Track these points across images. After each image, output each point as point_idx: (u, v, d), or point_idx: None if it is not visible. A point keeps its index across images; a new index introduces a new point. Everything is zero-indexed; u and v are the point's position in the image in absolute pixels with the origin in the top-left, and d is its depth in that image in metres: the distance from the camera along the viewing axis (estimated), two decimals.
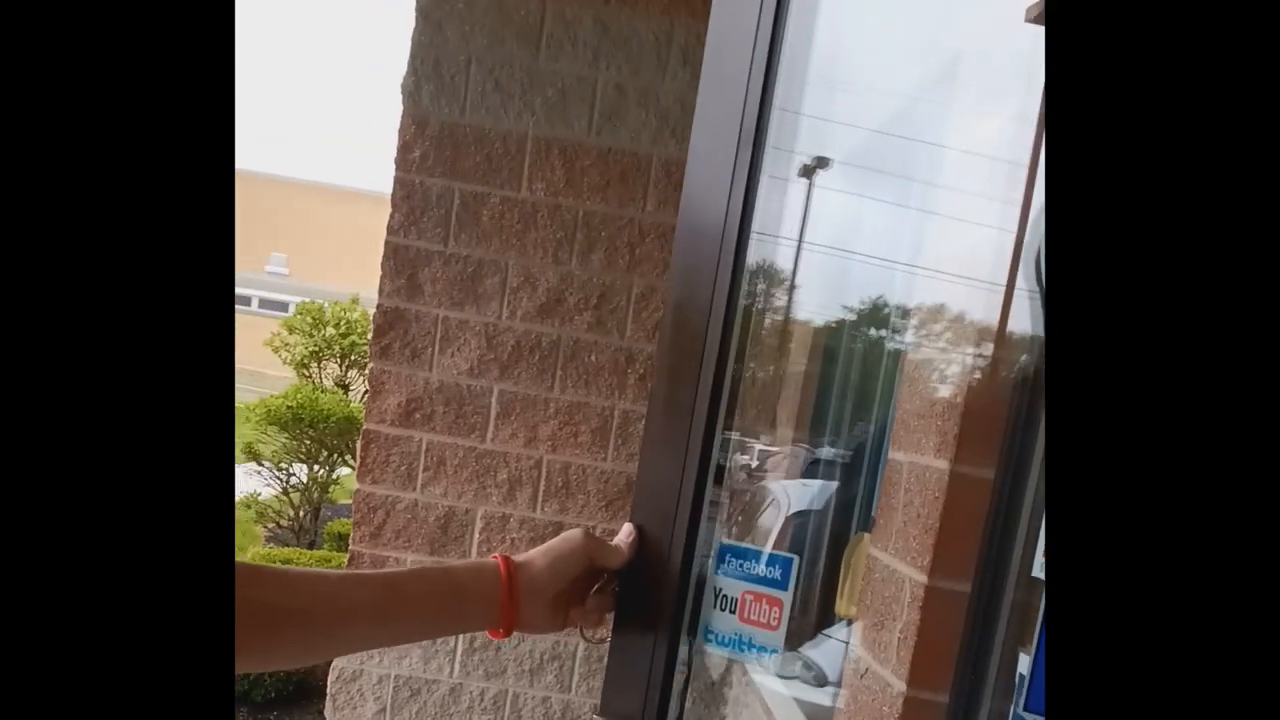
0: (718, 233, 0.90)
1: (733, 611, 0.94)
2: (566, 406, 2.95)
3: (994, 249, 1.62)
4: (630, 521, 0.97)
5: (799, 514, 2.45)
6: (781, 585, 0.94)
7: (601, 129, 2.84)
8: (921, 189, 2.11)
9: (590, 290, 2.93)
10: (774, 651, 0.94)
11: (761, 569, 0.93)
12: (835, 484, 2.41)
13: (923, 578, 1.66)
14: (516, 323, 2.96)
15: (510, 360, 2.96)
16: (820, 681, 2.02)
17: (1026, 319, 1.57)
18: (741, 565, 0.94)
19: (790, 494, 2.50)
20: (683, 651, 0.97)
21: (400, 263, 3.01)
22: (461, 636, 3.06)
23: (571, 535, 0.96)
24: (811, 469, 2.53)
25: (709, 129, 0.93)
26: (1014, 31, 1.48)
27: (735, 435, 2.84)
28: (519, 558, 0.96)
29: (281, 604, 0.88)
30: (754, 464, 2.78)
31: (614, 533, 0.98)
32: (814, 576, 2.35)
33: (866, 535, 1.98)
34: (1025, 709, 0.74)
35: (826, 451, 2.53)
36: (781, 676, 2.06)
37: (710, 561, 0.96)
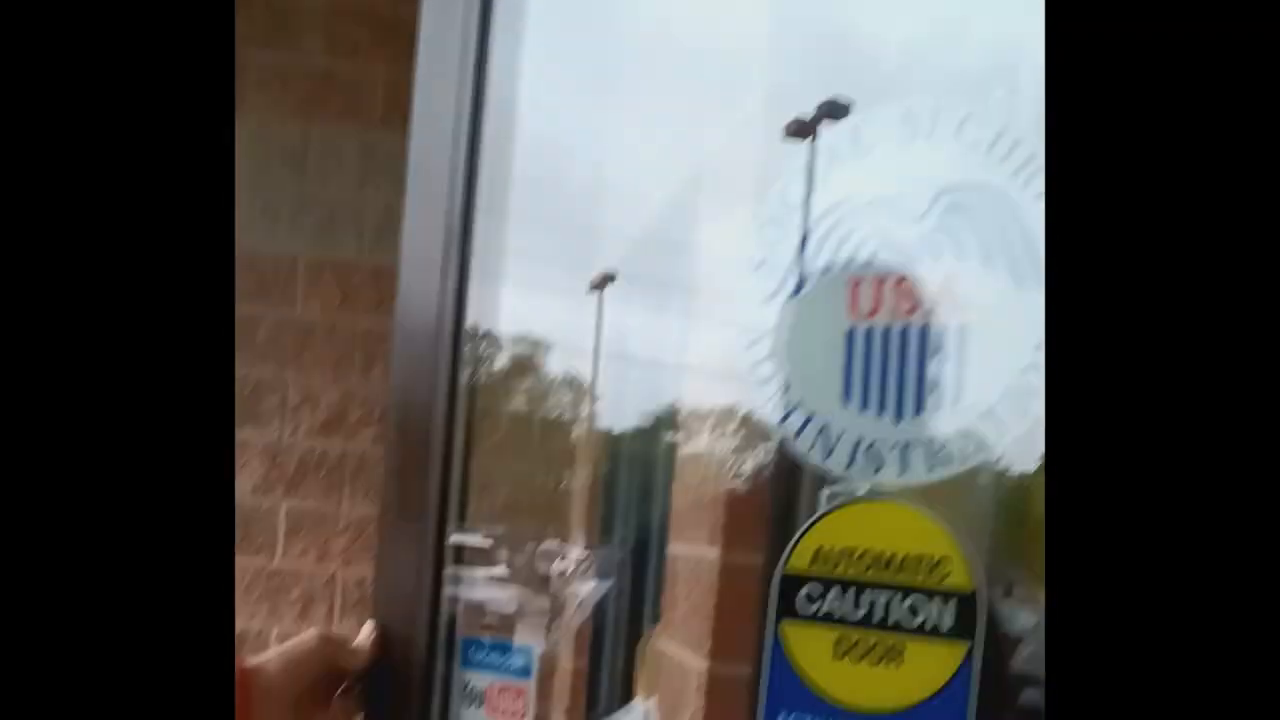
0: (431, 332, 0.95)
1: (480, 705, 0.97)
2: (358, 520, 2.92)
3: (748, 345, 1.72)
4: (371, 619, 0.99)
5: (595, 613, 2.49)
6: (525, 674, 0.98)
7: (373, 248, 2.87)
8: (683, 293, 2.21)
9: (373, 404, 2.93)
10: None
11: (504, 659, 0.97)
12: (627, 581, 2.47)
13: (704, 664, 1.72)
14: (299, 439, 2.93)
15: (295, 476, 2.92)
16: None
17: (775, 408, 1.67)
18: (485, 657, 0.97)
19: (584, 594, 2.54)
20: None
21: None
22: None
23: (307, 637, 0.96)
24: (606, 568, 2.58)
25: (418, 233, 0.98)
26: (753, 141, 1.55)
27: (555, 543, 2.87)
28: (252, 662, 0.96)
29: None
30: (569, 569, 2.81)
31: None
32: (614, 674, 2.40)
33: (654, 628, 2.04)
34: None
35: (617, 552, 2.59)
36: None
37: (457, 656, 0.99)
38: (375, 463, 2.96)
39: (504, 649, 0.97)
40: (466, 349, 0.96)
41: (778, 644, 0.81)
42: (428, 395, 0.96)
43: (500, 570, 0.99)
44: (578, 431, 2.99)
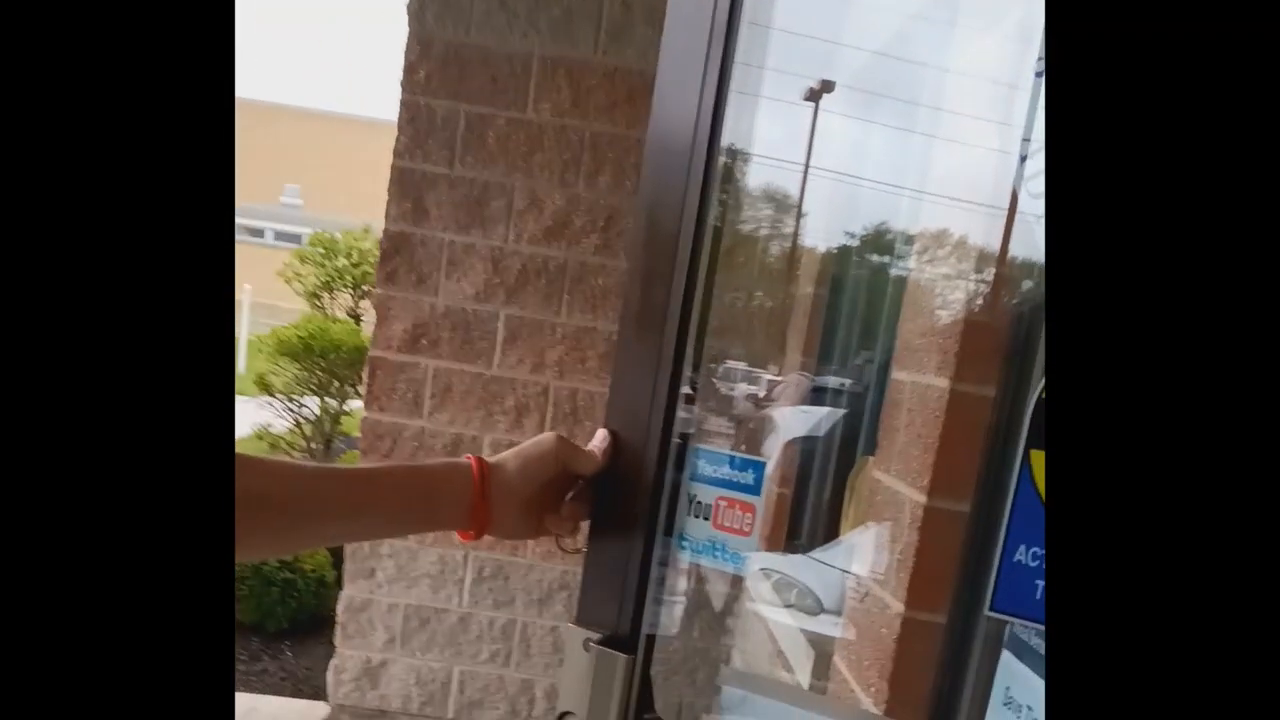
0: (687, 142, 0.91)
1: (706, 518, 0.97)
2: (574, 331, 2.97)
3: (994, 172, 1.62)
4: (605, 427, 0.99)
5: (804, 439, 2.47)
6: (754, 490, 0.96)
7: (608, 48, 2.83)
8: (924, 112, 2.11)
9: (597, 212, 2.94)
10: (746, 558, 0.97)
11: (734, 474, 0.95)
12: (841, 410, 2.43)
13: (922, 498, 1.68)
14: (523, 246, 2.98)
15: (517, 284, 2.98)
16: (816, 609, 2.06)
17: (1028, 243, 1.58)
18: (715, 470, 0.96)
19: (793, 421, 2.53)
20: (659, 560, 1.00)
21: (406, 186, 3.02)
22: (471, 565, 3.12)
23: (544, 439, 0.98)
24: (817, 396, 2.55)
25: (678, 35, 0.94)
26: None
27: (741, 364, 2.86)
28: (492, 460, 0.98)
29: (258, 491, 0.90)
30: (760, 393, 2.81)
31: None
32: (820, 502, 2.39)
33: (871, 458, 2.01)
34: (991, 609, 0.76)
35: (831, 379, 2.55)
36: (775, 605, 2.10)
37: (686, 468, 0.98)
38: (595, 272, 2.99)
39: (736, 463, 0.96)
40: (718, 161, 0.92)
41: (1025, 473, 0.77)
42: (678, 206, 0.92)
43: (686, 390, 0.97)
44: (792, 250, 2.93)
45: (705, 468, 0.96)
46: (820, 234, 2.74)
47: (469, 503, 0.97)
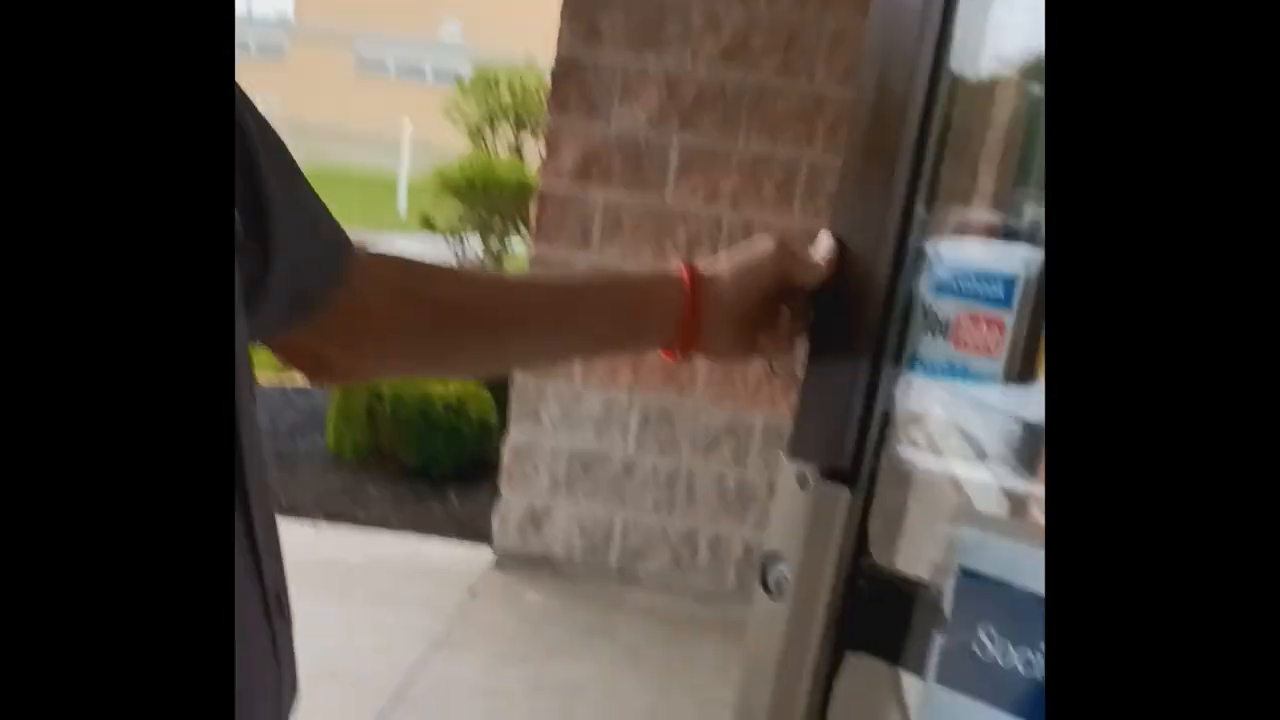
0: None
1: (945, 336, 0.85)
2: (750, 159, 2.84)
3: None
4: (827, 230, 0.88)
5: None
6: (1004, 303, 0.85)
7: None
8: None
9: (778, 32, 2.77)
10: (992, 382, 0.86)
11: (981, 284, 0.83)
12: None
13: None
14: (699, 69, 2.84)
15: (692, 109, 2.86)
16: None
17: None
18: (958, 281, 0.84)
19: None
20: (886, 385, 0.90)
21: (579, 8, 2.91)
22: (636, 409, 3.08)
23: (762, 245, 0.87)
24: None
25: None
26: None
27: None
28: (705, 269, 0.88)
29: (457, 300, 0.86)
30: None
31: None
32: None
33: None
34: None
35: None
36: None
37: (922, 280, 0.87)
38: (775, 96, 2.83)
39: (982, 275, 0.84)
40: None
41: None
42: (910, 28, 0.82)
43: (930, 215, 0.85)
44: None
45: (948, 277, 0.84)
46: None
47: (679, 316, 0.88)
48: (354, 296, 0.79)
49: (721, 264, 0.89)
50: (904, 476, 1.13)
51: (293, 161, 0.73)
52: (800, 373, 0.92)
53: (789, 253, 0.87)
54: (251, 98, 0.69)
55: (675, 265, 0.87)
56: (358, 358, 0.86)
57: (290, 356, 0.84)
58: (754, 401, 2.98)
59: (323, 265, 0.78)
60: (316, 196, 0.76)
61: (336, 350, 0.84)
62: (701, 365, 2.94)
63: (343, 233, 0.79)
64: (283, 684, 0.60)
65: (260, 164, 0.69)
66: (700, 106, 2.87)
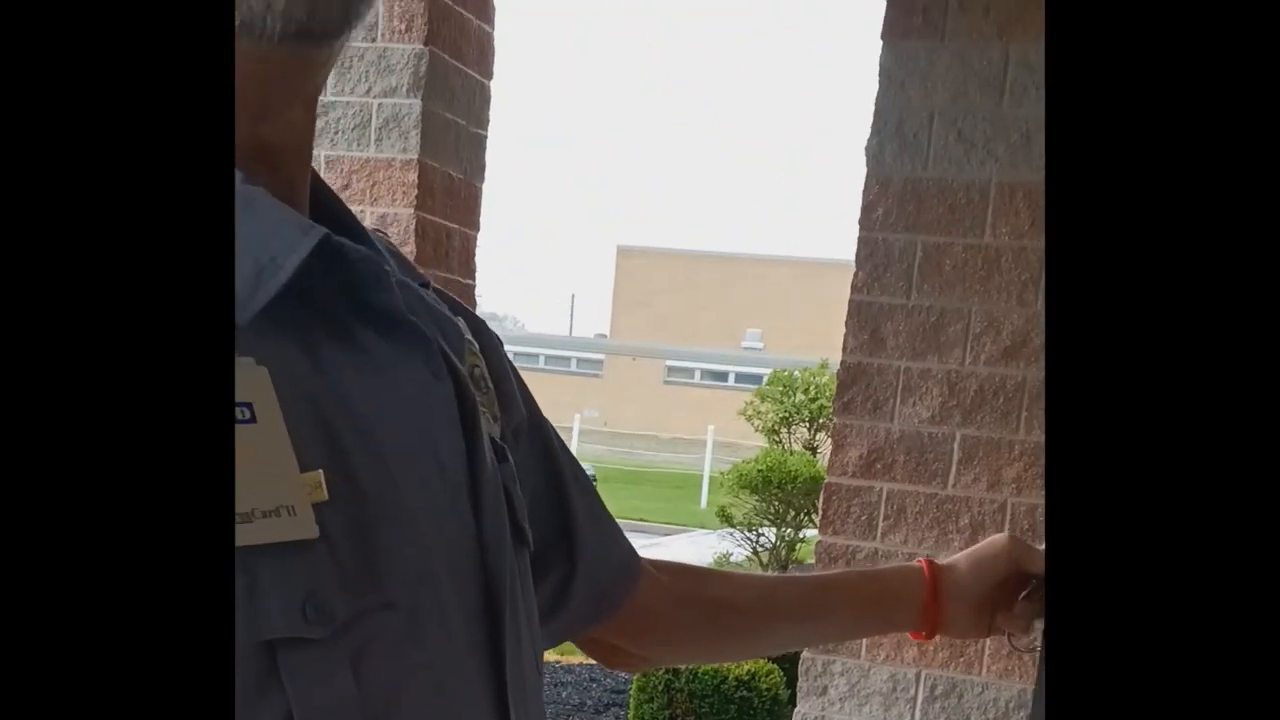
0: None
1: None
2: (1033, 447, 2.92)
3: None
4: None
5: None
6: None
7: None
8: None
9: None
10: None
11: None
12: None
13: None
14: (980, 367, 2.99)
15: (973, 405, 2.99)
16: None
17: None
18: None
19: None
20: None
21: (863, 319, 3.14)
22: (923, 684, 3.09)
23: (996, 540, 1.01)
24: None
25: None
26: None
27: None
28: (944, 561, 1.03)
29: (727, 598, 1.01)
30: None
31: None
32: None
33: None
34: None
35: None
36: None
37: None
38: None
39: None
40: None
41: None
42: None
43: None
44: None
45: None
46: None
47: (921, 603, 1.01)
48: (641, 601, 0.92)
49: (960, 557, 1.03)
50: None
51: (590, 485, 0.88)
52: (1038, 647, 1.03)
53: (1021, 544, 1.01)
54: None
55: (917, 560, 1.03)
56: (645, 649, 1.00)
57: (587, 648, 0.99)
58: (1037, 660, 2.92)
59: (618, 578, 0.90)
60: (613, 521, 0.90)
61: (626, 643, 0.97)
62: (987, 644, 2.95)
63: (633, 551, 0.92)
64: None
65: (568, 487, 0.84)
66: (981, 401, 3.00)
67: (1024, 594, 1.02)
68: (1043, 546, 1.02)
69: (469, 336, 0.73)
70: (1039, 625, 1.03)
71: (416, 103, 3.11)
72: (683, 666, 4.18)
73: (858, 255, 3.16)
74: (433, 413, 0.63)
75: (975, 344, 3.00)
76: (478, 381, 0.71)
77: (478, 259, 3.49)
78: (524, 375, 0.85)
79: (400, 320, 0.62)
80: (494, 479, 0.67)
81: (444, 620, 0.60)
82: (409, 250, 3.10)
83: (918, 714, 3.13)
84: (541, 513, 0.79)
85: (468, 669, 0.62)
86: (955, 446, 3.03)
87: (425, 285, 0.71)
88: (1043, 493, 2.93)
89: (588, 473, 0.91)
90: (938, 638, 1.02)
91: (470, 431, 0.65)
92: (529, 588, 0.72)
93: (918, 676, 3.11)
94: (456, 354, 0.68)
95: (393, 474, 0.58)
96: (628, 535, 0.94)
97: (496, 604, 0.63)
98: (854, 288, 3.18)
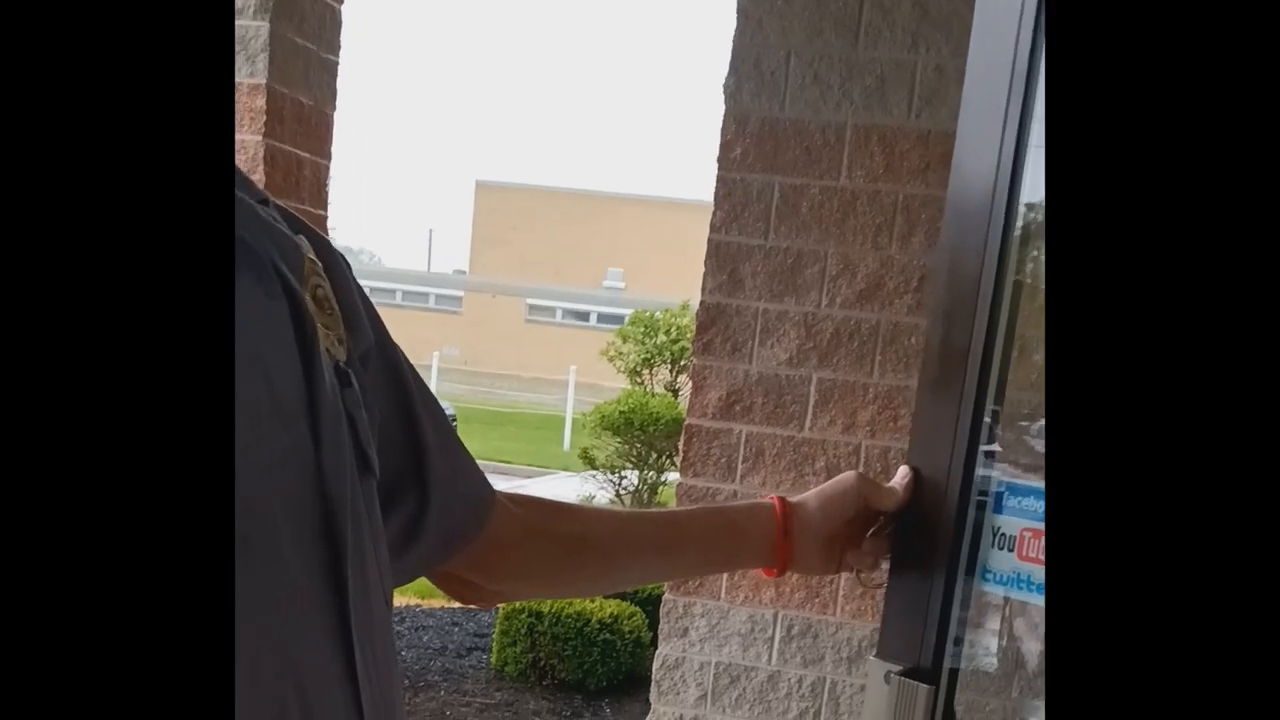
0: (987, 194, 0.94)
1: (1011, 549, 0.97)
2: (886, 390, 2.97)
3: None
4: (906, 464, 1.01)
5: None
6: None
7: (921, 112, 2.85)
8: None
9: (910, 274, 2.93)
10: None
11: (1040, 505, 0.95)
12: None
13: None
14: (836, 310, 3.01)
15: (829, 348, 3.02)
16: None
17: None
18: (1020, 502, 0.97)
19: None
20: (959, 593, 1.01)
21: (722, 259, 3.14)
22: (780, 624, 3.14)
23: (845, 477, 1.01)
24: None
25: (978, 89, 0.97)
26: None
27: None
28: (794, 499, 1.02)
29: (580, 533, 1.00)
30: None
31: None
32: None
33: None
34: None
35: None
36: None
37: (989, 501, 0.99)
38: (908, 333, 2.98)
39: (1040, 495, 0.96)
40: (1019, 218, 0.94)
41: None
42: (978, 259, 0.95)
43: (995, 446, 0.97)
44: None
45: (1009, 500, 0.97)
46: None
47: (773, 540, 1.01)
48: (494, 535, 0.91)
49: (810, 494, 1.03)
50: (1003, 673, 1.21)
51: (444, 415, 0.85)
52: (884, 583, 1.04)
53: (869, 482, 1.01)
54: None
55: (768, 497, 1.01)
56: (498, 582, 0.98)
57: (440, 582, 0.96)
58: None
59: (471, 510, 0.89)
60: (466, 452, 0.88)
61: (480, 577, 0.96)
62: (841, 585, 3.00)
63: (486, 483, 0.91)
64: None
65: (420, 416, 0.81)
66: (837, 344, 3.02)
67: (871, 531, 1.04)
68: (900, 471, 1.02)
69: (310, 256, 0.68)
70: (885, 562, 1.04)
71: (264, 25, 2.97)
72: (545, 609, 4.17)
73: (716, 194, 3.15)
74: (263, 334, 0.60)
75: (831, 286, 3.02)
76: (320, 302, 0.67)
77: (331, 190, 3.37)
78: (381, 312, 0.81)
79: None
80: (334, 403, 0.64)
81: (276, 550, 0.57)
82: (258, 178, 2.97)
83: (775, 653, 3.18)
84: (391, 443, 0.76)
85: (306, 601, 0.59)
86: (812, 389, 3.05)
87: (264, 202, 0.67)
88: (894, 435, 2.99)
89: (447, 413, 0.88)
90: (791, 576, 1.01)
91: (308, 353, 0.62)
92: (376, 518, 0.69)
93: (775, 617, 3.16)
94: (295, 273, 0.64)
95: None
96: (490, 478, 0.92)
97: (337, 532, 0.61)
98: (713, 227, 3.17)
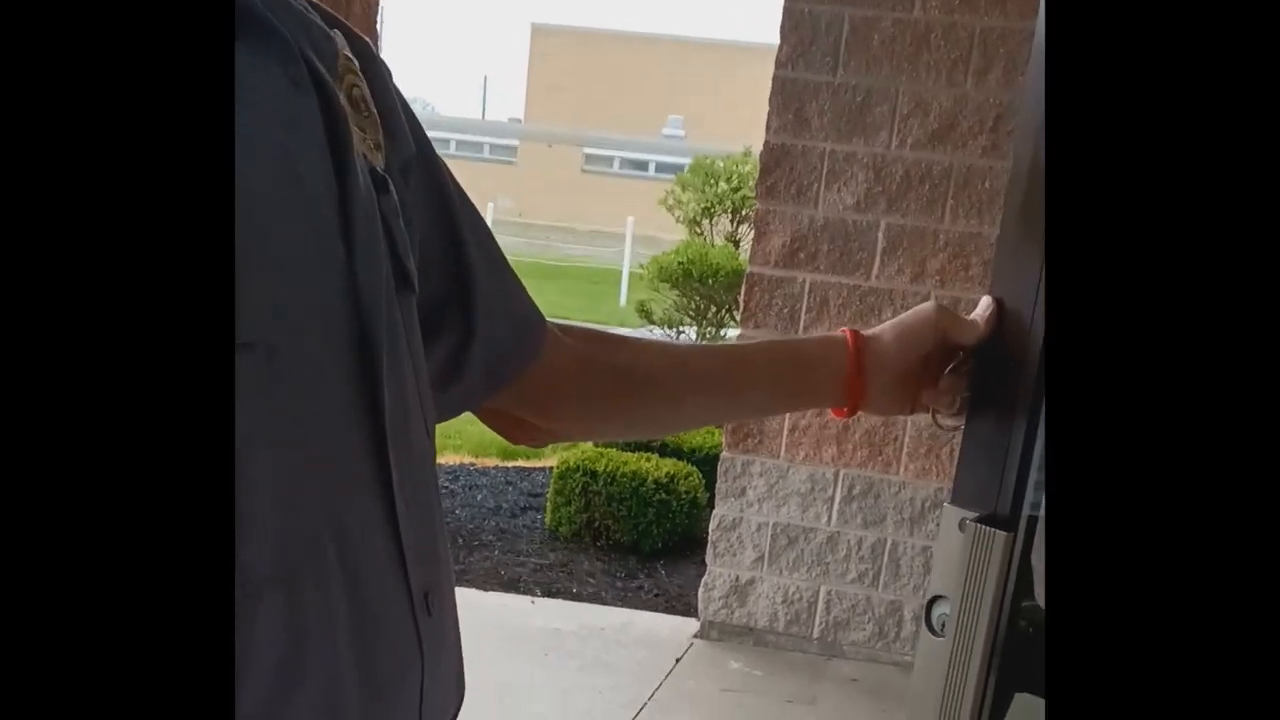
0: None
1: None
2: (957, 237, 2.88)
3: None
4: (989, 295, 0.95)
5: None
6: None
7: None
8: None
9: (986, 112, 2.82)
10: None
11: None
12: None
13: None
14: (906, 152, 2.91)
15: (899, 192, 2.92)
16: None
17: None
18: None
19: None
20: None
21: (788, 98, 3.03)
22: (841, 483, 3.12)
23: (923, 308, 0.95)
24: None
25: None
26: None
27: None
28: (868, 332, 0.96)
29: (639, 366, 0.95)
30: None
31: None
32: None
33: None
34: None
35: None
36: None
37: None
38: (982, 175, 2.87)
39: None
40: None
41: None
42: None
43: None
44: None
45: None
46: None
47: (843, 376, 0.95)
48: (547, 367, 0.86)
49: (885, 327, 0.96)
50: None
51: (495, 244, 0.81)
52: (963, 425, 0.98)
53: (948, 314, 0.94)
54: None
55: (841, 331, 0.95)
56: (551, 420, 0.93)
57: (490, 420, 0.92)
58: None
59: (520, 339, 0.84)
60: (515, 276, 0.83)
61: (532, 414, 0.91)
62: (905, 441, 2.97)
63: (536, 309, 0.86)
64: (426, 678, 0.63)
65: (465, 235, 0.76)
66: (907, 188, 2.93)
67: (950, 367, 0.97)
68: (982, 302, 0.96)
69: (347, 53, 0.63)
70: (964, 401, 0.98)
71: None
72: (600, 468, 4.19)
73: (782, 28, 3.03)
74: (290, 126, 0.55)
75: (902, 126, 2.91)
76: (356, 103, 0.62)
77: (382, 26, 3.28)
78: None
79: (249, 14, 0.53)
80: (369, 208, 0.59)
81: (305, 360, 0.53)
82: None
83: (835, 514, 3.16)
84: (432, 262, 0.71)
85: (338, 416, 0.56)
86: (880, 236, 2.97)
87: None
88: (965, 285, 2.91)
89: None
90: (854, 432, 0.96)
91: (340, 152, 0.57)
92: (416, 338, 0.65)
93: (836, 476, 3.14)
94: (328, 67, 0.59)
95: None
96: None
97: (372, 347, 0.57)
98: (778, 63, 3.05)
